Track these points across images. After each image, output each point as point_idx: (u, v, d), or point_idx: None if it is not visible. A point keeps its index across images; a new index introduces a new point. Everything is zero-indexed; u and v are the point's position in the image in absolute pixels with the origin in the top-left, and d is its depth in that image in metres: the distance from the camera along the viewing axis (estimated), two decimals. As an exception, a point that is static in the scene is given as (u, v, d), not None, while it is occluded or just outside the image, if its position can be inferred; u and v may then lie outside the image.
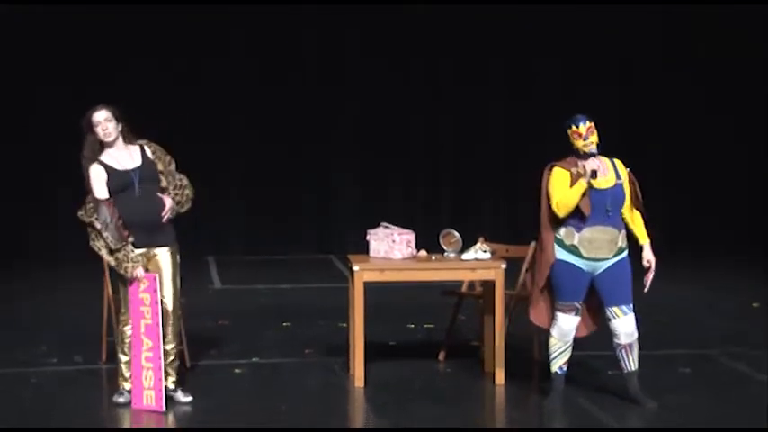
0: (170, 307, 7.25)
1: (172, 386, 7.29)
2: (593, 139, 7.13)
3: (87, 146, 7.26)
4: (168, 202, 7.24)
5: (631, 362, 7.26)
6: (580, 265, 7.12)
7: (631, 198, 7.24)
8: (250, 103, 14.34)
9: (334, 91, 14.53)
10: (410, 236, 7.93)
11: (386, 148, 14.62)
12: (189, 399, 7.31)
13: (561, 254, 7.14)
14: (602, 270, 7.14)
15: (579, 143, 7.12)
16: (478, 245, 7.93)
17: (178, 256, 7.35)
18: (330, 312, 10.08)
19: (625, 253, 7.19)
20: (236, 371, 8.22)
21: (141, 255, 7.15)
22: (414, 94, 14.67)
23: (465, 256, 7.86)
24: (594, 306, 7.32)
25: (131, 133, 7.31)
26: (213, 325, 9.80)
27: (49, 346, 8.95)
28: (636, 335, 7.22)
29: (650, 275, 7.27)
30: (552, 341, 7.25)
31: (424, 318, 9.93)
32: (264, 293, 11.69)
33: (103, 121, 7.21)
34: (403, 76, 14.58)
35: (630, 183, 7.25)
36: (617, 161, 7.27)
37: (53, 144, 13.89)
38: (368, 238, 8.00)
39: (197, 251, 13.24)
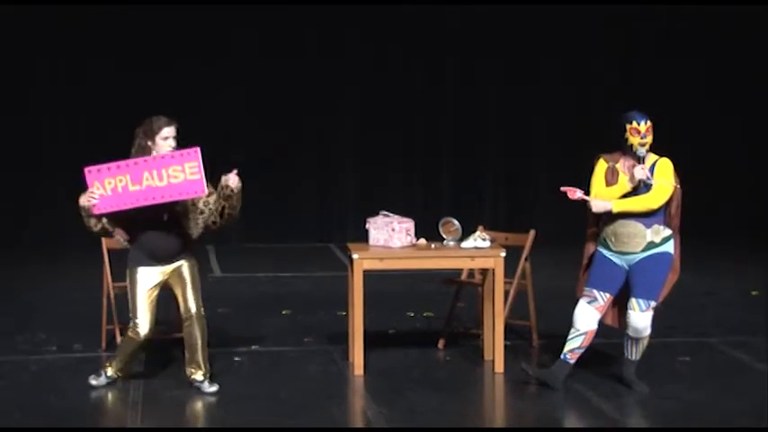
0: (194, 310, 7.29)
1: (200, 378, 7.29)
2: (650, 139, 7.15)
3: (137, 150, 7.14)
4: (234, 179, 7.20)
5: (634, 352, 7.33)
6: (612, 258, 7.24)
7: (669, 208, 7.22)
8: (249, 91, 14.32)
9: (333, 80, 14.51)
10: (409, 224, 7.93)
11: (385, 137, 14.62)
12: (214, 389, 7.30)
13: (599, 245, 7.31)
14: (634, 263, 7.20)
15: (636, 140, 7.12)
16: (478, 233, 7.93)
17: (196, 267, 7.37)
18: (329, 301, 10.09)
19: (660, 249, 7.18)
20: (236, 359, 8.23)
21: (159, 271, 7.20)
22: (413, 83, 14.65)
23: (464, 244, 7.86)
24: (622, 304, 7.36)
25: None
26: (213, 313, 9.77)
27: (48, 333, 8.96)
28: (646, 333, 7.25)
29: (579, 194, 7.23)
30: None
31: (423, 306, 9.94)
32: (264, 282, 11.70)
33: (172, 138, 7.16)
34: (403, 64, 14.57)
35: (675, 191, 7.20)
36: (661, 162, 7.20)
37: (55, 133, 13.93)
38: (367, 226, 7.99)
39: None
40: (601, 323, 7.36)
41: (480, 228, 8.09)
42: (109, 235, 7.29)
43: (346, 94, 14.63)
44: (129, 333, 7.28)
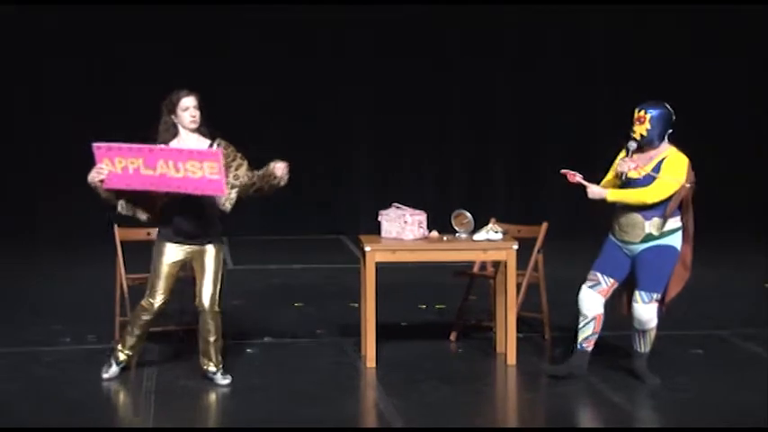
0: (207, 305, 7.25)
1: (213, 369, 7.31)
2: (637, 128, 7.12)
3: (163, 127, 7.16)
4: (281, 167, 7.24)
5: (642, 345, 7.34)
6: (619, 245, 7.25)
7: (679, 199, 7.17)
8: (260, 82, 14.32)
9: (345, 73, 14.50)
10: (422, 216, 7.93)
11: (398, 129, 14.62)
12: (227, 381, 7.31)
13: (610, 232, 7.34)
14: (635, 254, 7.22)
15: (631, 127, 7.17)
16: (490, 225, 7.93)
17: (222, 254, 7.36)
18: (342, 293, 10.10)
19: (662, 241, 7.16)
20: (249, 350, 8.25)
21: (185, 249, 7.19)
22: (425, 74, 14.63)
23: (477, 236, 7.86)
24: (629, 292, 7.37)
25: (206, 126, 7.25)
26: (226, 305, 9.79)
27: (62, 325, 8.99)
28: (651, 325, 7.25)
29: (578, 178, 7.26)
30: None
31: (435, 298, 9.94)
32: (277, 274, 11.71)
33: (193, 108, 7.15)
34: (415, 55, 14.54)
35: (682, 188, 7.14)
36: (671, 158, 7.15)
37: (67, 122, 13.95)
38: (380, 218, 8.00)
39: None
40: (608, 313, 7.35)
41: (493, 220, 8.10)
42: (133, 216, 7.23)
43: (358, 88, 14.60)
44: (143, 302, 7.25)
